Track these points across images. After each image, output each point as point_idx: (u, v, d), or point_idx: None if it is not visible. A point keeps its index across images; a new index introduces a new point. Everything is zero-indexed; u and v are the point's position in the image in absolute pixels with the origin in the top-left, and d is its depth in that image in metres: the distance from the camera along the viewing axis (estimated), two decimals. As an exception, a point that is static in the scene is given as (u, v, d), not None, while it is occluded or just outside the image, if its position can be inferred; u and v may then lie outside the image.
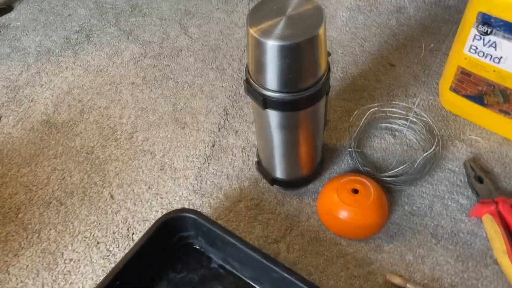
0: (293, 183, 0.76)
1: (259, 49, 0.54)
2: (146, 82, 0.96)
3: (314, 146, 0.71)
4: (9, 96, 0.97)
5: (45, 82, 0.99)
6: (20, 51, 1.06)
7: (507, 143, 0.79)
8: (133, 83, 0.97)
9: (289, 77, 0.55)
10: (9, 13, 1.16)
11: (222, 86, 0.94)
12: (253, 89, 0.59)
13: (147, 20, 1.10)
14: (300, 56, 0.53)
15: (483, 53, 0.71)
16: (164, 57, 1.01)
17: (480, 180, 0.73)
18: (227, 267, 0.68)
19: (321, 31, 0.52)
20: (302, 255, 0.69)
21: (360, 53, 0.97)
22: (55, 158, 0.85)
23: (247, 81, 0.61)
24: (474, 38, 0.71)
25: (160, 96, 0.94)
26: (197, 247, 0.70)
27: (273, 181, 0.75)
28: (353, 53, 0.97)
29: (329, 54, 0.59)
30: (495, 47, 0.69)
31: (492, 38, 0.69)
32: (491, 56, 0.70)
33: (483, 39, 0.70)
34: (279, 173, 0.75)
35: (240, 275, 0.67)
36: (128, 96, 0.94)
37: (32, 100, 0.95)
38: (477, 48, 0.71)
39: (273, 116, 0.63)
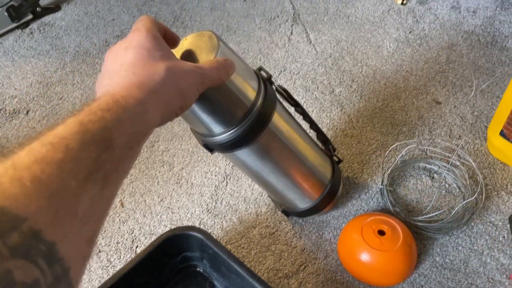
0: (303, 212, 0.68)
1: None
2: (177, 92, 0.94)
3: (304, 165, 0.62)
4: (41, 91, 0.96)
5: (77, 82, 0.98)
6: (60, 50, 1.07)
7: (562, 201, 0.70)
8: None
9: (217, 117, 0.48)
10: (56, 13, 1.18)
11: (253, 105, 0.90)
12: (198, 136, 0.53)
13: (188, 32, 1.09)
14: (210, 96, 0.45)
15: (543, 97, 0.64)
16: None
17: (527, 239, 0.65)
18: (230, 297, 0.62)
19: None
20: (314, 296, 0.62)
21: (404, 86, 0.91)
22: (73, 158, 0.82)
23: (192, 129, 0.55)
24: (534, 79, 0.64)
25: (188, 107, 0.90)
26: (200, 270, 0.65)
27: (286, 212, 0.69)
28: (397, 86, 0.91)
29: (259, 68, 0.53)
30: (557, 92, 0.62)
31: (555, 81, 0.61)
32: (552, 101, 0.63)
33: (544, 82, 0.62)
34: (285, 205, 0.68)
35: (243, 308, 0.61)
36: (156, 104, 0.91)
37: (61, 98, 0.94)
38: (536, 91, 0.64)
39: (241, 155, 0.55)
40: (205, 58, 0.45)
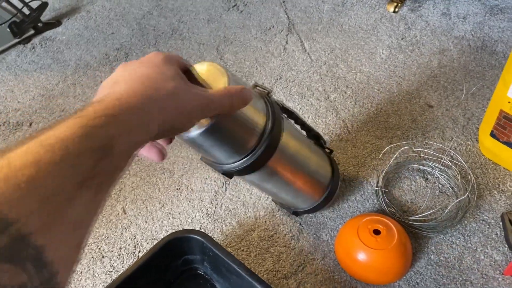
0: (313, 208, 0.71)
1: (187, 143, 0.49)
2: (176, 102, 0.96)
3: (308, 171, 0.65)
4: (43, 104, 0.98)
5: (79, 94, 1.00)
6: (61, 63, 1.09)
7: (552, 198, 0.72)
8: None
9: (231, 149, 0.50)
10: (57, 28, 1.21)
11: (250, 112, 0.92)
12: (212, 166, 0.54)
13: (186, 43, 1.11)
14: (224, 128, 0.46)
15: (529, 97, 0.66)
16: (196, 79, 1.01)
17: (519, 236, 0.66)
18: (231, 298, 0.64)
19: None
20: (313, 296, 0.64)
21: (397, 91, 0.93)
22: (75, 167, 0.84)
23: (202, 159, 0.55)
24: (520, 80, 0.66)
25: (187, 116, 0.93)
26: (202, 272, 0.66)
27: (296, 213, 0.71)
28: (390, 91, 0.93)
29: (255, 85, 0.54)
30: (542, 92, 0.64)
31: (539, 81, 0.64)
32: (538, 101, 0.65)
33: (530, 82, 0.65)
34: (292, 207, 0.70)
35: (244, 308, 0.63)
36: (156, 114, 0.94)
37: (63, 110, 0.97)
38: (522, 91, 0.66)
39: (250, 178, 0.57)
40: (217, 86, 0.44)
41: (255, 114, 0.50)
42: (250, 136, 0.50)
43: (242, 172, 0.52)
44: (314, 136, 0.68)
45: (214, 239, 0.70)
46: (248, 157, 0.51)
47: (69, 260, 0.29)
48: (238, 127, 0.48)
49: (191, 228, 0.73)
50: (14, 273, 0.24)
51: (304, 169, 0.64)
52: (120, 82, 0.38)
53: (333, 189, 0.71)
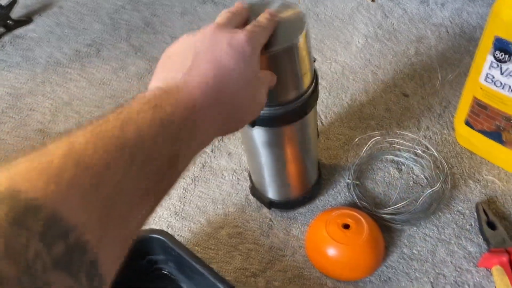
0: (290, 204, 0.70)
1: None
2: (146, 98, 0.93)
3: (308, 162, 0.66)
4: (10, 103, 0.96)
5: (48, 92, 0.98)
6: (30, 61, 1.06)
7: (528, 187, 0.70)
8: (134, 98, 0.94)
9: (273, 90, 0.50)
10: (28, 25, 1.18)
11: (222, 106, 0.90)
12: None
13: (159, 37, 1.09)
14: (280, 66, 0.48)
15: (501, 83, 0.64)
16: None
17: (493, 226, 0.64)
18: (197, 299, 0.62)
19: (301, 39, 0.47)
20: (281, 294, 0.62)
21: (373, 80, 0.91)
22: (41, 167, 0.82)
23: None
24: (491, 66, 0.64)
25: (157, 112, 0.90)
26: (167, 273, 0.64)
27: (270, 204, 0.69)
28: (365, 80, 0.91)
29: (314, 60, 0.54)
30: (513, 77, 0.62)
31: (510, 66, 0.61)
32: (510, 86, 0.63)
33: (501, 67, 0.62)
34: (273, 195, 0.69)
35: (209, 309, 0.60)
36: (125, 110, 0.91)
37: (31, 109, 0.94)
38: (493, 77, 0.64)
39: (260, 134, 0.58)
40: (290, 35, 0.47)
41: (308, 70, 0.52)
42: (294, 87, 0.52)
43: (265, 121, 0.53)
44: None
45: (182, 238, 0.68)
46: (279, 107, 0.52)
47: (113, 271, 0.28)
48: (292, 70, 0.50)
49: (158, 227, 0.71)
50: (66, 282, 0.23)
51: (305, 156, 0.64)
52: (197, 68, 0.35)
53: (315, 192, 0.72)
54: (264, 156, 0.62)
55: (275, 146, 0.59)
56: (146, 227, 0.70)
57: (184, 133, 0.31)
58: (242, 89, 0.37)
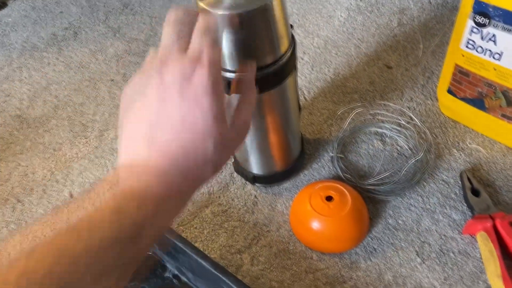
0: (274, 178, 0.70)
1: None
2: (126, 79, 0.92)
3: (289, 133, 0.65)
4: (-13, 90, 0.93)
5: (25, 77, 0.95)
6: (6, 46, 1.04)
7: (512, 153, 0.70)
8: (113, 80, 0.92)
9: (247, 52, 0.50)
10: (2, 10, 1.14)
11: (204, 85, 0.88)
12: None
13: (137, 17, 1.06)
14: (255, 26, 0.47)
15: (482, 48, 0.63)
16: (148, 54, 0.96)
17: (477, 194, 0.64)
18: (182, 277, 0.61)
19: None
20: (267, 269, 0.61)
21: (356, 54, 0.90)
22: (21, 153, 0.80)
23: None
24: (471, 31, 0.63)
25: (138, 93, 0.88)
26: (151, 253, 0.63)
27: (254, 179, 0.68)
28: (348, 54, 0.90)
29: (291, 26, 0.53)
30: (494, 41, 0.61)
31: (490, 30, 0.60)
32: (491, 51, 0.62)
33: (481, 32, 0.62)
34: (256, 169, 0.68)
35: (194, 287, 0.60)
36: (105, 93, 0.89)
37: (8, 95, 0.92)
38: (474, 42, 0.63)
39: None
40: None
41: (284, 32, 0.51)
42: (271, 50, 0.50)
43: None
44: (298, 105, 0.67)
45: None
46: (258, 72, 0.50)
47: None
48: (268, 32, 0.49)
49: (141, 208, 0.70)
50: None
51: (286, 126, 0.63)
52: (157, 134, 0.33)
53: (298, 165, 0.71)
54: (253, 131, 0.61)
55: (255, 114, 0.58)
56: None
57: (141, 208, 0.30)
58: (205, 146, 0.34)
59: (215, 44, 0.37)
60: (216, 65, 0.35)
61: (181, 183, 0.33)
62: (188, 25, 0.37)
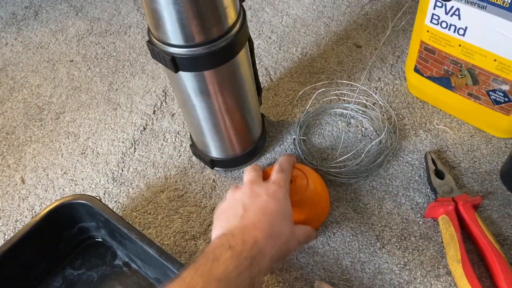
0: (233, 161, 0.67)
1: None
2: (86, 60, 0.88)
3: (247, 114, 0.62)
4: None
5: (-19, 59, 0.91)
6: (-37, 26, 0.99)
7: (479, 134, 0.67)
8: (72, 60, 0.88)
9: (191, 22, 0.47)
10: (-39, -11, 1.09)
11: (167, 66, 0.85)
12: (158, 50, 0.50)
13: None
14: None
15: (446, 23, 0.60)
16: (110, 34, 0.92)
17: (441, 176, 0.62)
18: (132, 265, 0.59)
19: None
20: (221, 255, 0.59)
21: (325, 33, 0.86)
22: (-28, 138, 0.77)
23: (150, 43, 0.51)
24: (435, 5, 0.59)
25: (97, 74, 0.85)
26: (101, 240, 0.61)
27: (212, 163, 0.66)
28: (317, 33, 0.86)
29: (242, 0, 0.50)
30: (458, 16, 0.58)
31: (454, 4, 0.57)
32: (455, 27, 0.59)
33: (445, 6, 0.58)
34: (214, 152, 0.65)
35: (145, 275, 0.57)
36: (63, 75, 0.86)
37: (-37, 77, 0.88)
38: (439, 17, 0.60)
39: (188, 80, 0.54)
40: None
41: (231, 3, 0.48)
42: (215, 21, 0.48)
43: (188, 64, 0.50)
44: (256, 85, 0.63)
45: (119, 204, 0.65)
46: (201, 47, 0.49)
47: None
48: (211, 6, 0.47)
49: (94, 194, 0.67)
50: None
51: (242, 106, 0.61)
52: (250, 215, 0.47)
53: (259, 148, 0.68)
54: (199, 108, 0.57)
55: (206, 94, 0.55)
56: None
57: (254, 262, 0.41)
58: (284, 223, 0.48)
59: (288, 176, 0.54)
60: (287, 184, 0.53)
61: (268, 238, 0.45)
62: (261, 171, 0.56)
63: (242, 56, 0.54)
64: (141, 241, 0.52)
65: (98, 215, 0.56)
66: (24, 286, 0.56)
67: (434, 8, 0.60)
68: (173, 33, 0.48)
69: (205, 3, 0.46)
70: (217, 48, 0.49)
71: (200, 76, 0.53)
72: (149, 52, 0.58)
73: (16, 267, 0.54)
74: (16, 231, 0.55)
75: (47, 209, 0.55)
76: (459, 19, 0.58)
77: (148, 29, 0.52)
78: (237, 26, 0.50)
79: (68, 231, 0.59)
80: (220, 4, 0.47)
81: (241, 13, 0.52)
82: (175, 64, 0.50)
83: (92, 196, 0.56)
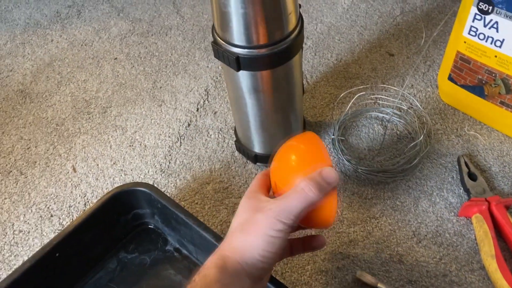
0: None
1: None
2: (130, 59, 0.92)
3: (293, 113, 0.66)
4: (-10, 64, 0.93)
5: (28, 53, 0.95)
6: (9, 22, 1.04)
7: (509, 141, 0.71)
8: (116, 58, 0.92)
9: (258, 27, 0.51)
10: (5, -14, 1.14)
11: (207, 67, 0.89)
12: (223, 51, 0.54)
13: (142, -1, 1.06)
14: (264, 1, 0.49)
15: (484, 35, 0.64)
16: (151, 35, 0.97)
17: (473, 178, 0.66)
18: (183, 250, 0.62)
19: None
20: (267, 245, 0.62)
21: (358, 41, 0.91)
22: (23, 127, 0.81)
23: (215, 43, 0.56)
24: (474, 18, 0.64)
25: (141, 72, 0.89)
26: (153, 227, 0.64)
27: (256, 158, 0.70)
28: (351, 41, 0.91)
29: (300, 6, 0.55)
30: (496, 29, 0.62)
31: (493, 17, 0.61)
32: (493, 39, 0.63)
33: (484, 19, 0.63)
34: (258, 148, 0.69)
35: (195, 260, 0.61)
36: (108, 71, 0.90)
37: (11, 70, 0.92)
38: (477, 29, 0.64)
39: (245, 78, 0.58)
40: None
41: (293, 10, 0.52)
42: (279, 26, 0.52)
43: (251, 63, 0.54)
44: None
45: (167, 194, 0.68)
46: (265, 49, 0.53)
47: None
48: (276, 7, 0.50)
49: (144, 183, 0.71)
50: None
51: (290, 106, 0.65)
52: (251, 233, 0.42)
53: None
54: (250, 105, 0.62)
55: (261, 91, 0.59)
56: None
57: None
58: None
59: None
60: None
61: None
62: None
63: (297, 58, 0.58)
64: (198, 227, 0.56)
65: (156, 202, 0.59)
66: (82, 265, 0.60)
67: (473, 21, 0.64)
68: (239, 34, 0.52)
69: (272, 9, 0.50)
70: (278, 50, 0.54)
71: (257, 75, 0.57)
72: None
73: (78, 246, 0.58)
74: (80, 213, 0.59)
75: (109, 194, 0.59)
76: (497, 31, 0.62)
77: (213, 31, 0.56)
78: (296, 30, 0.55)
79: (124, 216, 0.62)
80: (285, 10, 0.51)
81: (300, 19, 0.56)
82: (238, 63, 0.54)
83: (151, 184, 0.60)
